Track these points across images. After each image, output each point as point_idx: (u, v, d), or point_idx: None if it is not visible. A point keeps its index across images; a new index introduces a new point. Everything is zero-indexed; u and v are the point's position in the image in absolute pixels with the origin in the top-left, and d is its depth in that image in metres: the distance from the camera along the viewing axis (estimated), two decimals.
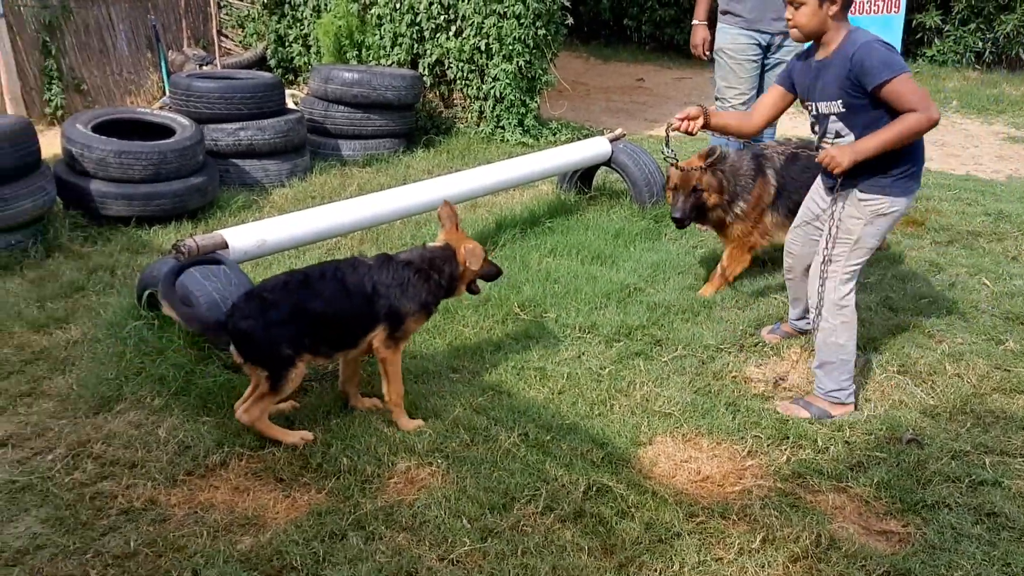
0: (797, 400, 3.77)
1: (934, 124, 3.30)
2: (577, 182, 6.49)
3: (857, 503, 3.11)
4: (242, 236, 4.06)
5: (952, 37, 12.80)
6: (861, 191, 3.50)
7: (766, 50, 5.82)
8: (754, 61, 5.80)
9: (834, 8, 3.38)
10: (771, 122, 3.96)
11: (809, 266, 3.85)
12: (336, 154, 7.55)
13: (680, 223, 4.70)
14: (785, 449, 3.41)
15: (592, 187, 6.59)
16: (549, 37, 8.20)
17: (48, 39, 8.99)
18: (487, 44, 8.02)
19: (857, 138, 3.43)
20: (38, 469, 3.22)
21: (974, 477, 3.21)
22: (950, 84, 11.80)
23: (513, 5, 7.79)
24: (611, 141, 6.15)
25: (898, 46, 12.87)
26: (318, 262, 3.69)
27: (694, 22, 6.05)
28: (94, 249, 5.39)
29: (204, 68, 9.29)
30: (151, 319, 3.98)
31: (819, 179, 3.85)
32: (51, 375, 3.91)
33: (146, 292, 3.98)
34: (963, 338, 4.31)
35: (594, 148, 6.11)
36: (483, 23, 7.92)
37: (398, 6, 8.35)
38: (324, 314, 3.28)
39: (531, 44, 8.00)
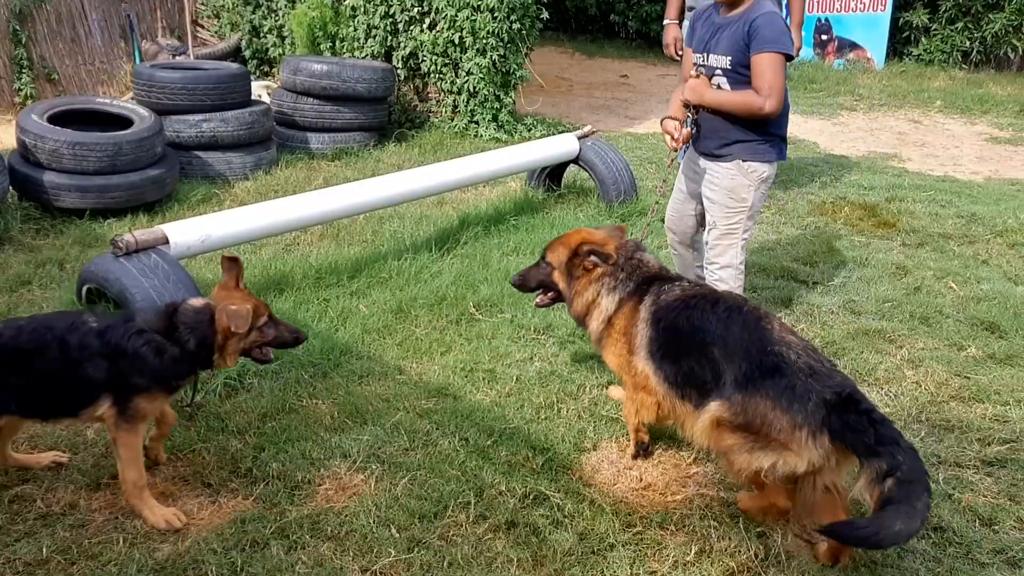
0: None
1: (763, 115, 3.56)
2: (547, 180, 6.38)
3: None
4: (185, 231, 3.95)
5: (939, 36, 12.72)
6: (744, 160, 3.75)
7: None
8: None
9: None
10: None
11: (691, 239, 4.23)
12: (304, 147, 7.43)
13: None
14: None
15: (562, 185, 6.47)
16: (524, 31, 8.08)
17: (19, 27, 8.86)
18: (461, 37, 7.90)
19: None
20: None
21: None
22: (935, 84, 11.73)
23: None
24: (579, 138, 6.04)
25: (884, 45, 12.83)
26: (36, 316, 3.05)
27: (665, 21, 5.93)
28: (45, 242, 5.27)
29: (177, 58, 9.17)
30: None
31: (689, 156, 4.09)
32: None
33: (84, 287, 3.87)
34: (924, 343, 4.22)
35: (562, 145, 6.00)
36: (456, 16, 7.79)
37: None
38: (29, 381, 2.79)
39: (505, 38, 7.88)
